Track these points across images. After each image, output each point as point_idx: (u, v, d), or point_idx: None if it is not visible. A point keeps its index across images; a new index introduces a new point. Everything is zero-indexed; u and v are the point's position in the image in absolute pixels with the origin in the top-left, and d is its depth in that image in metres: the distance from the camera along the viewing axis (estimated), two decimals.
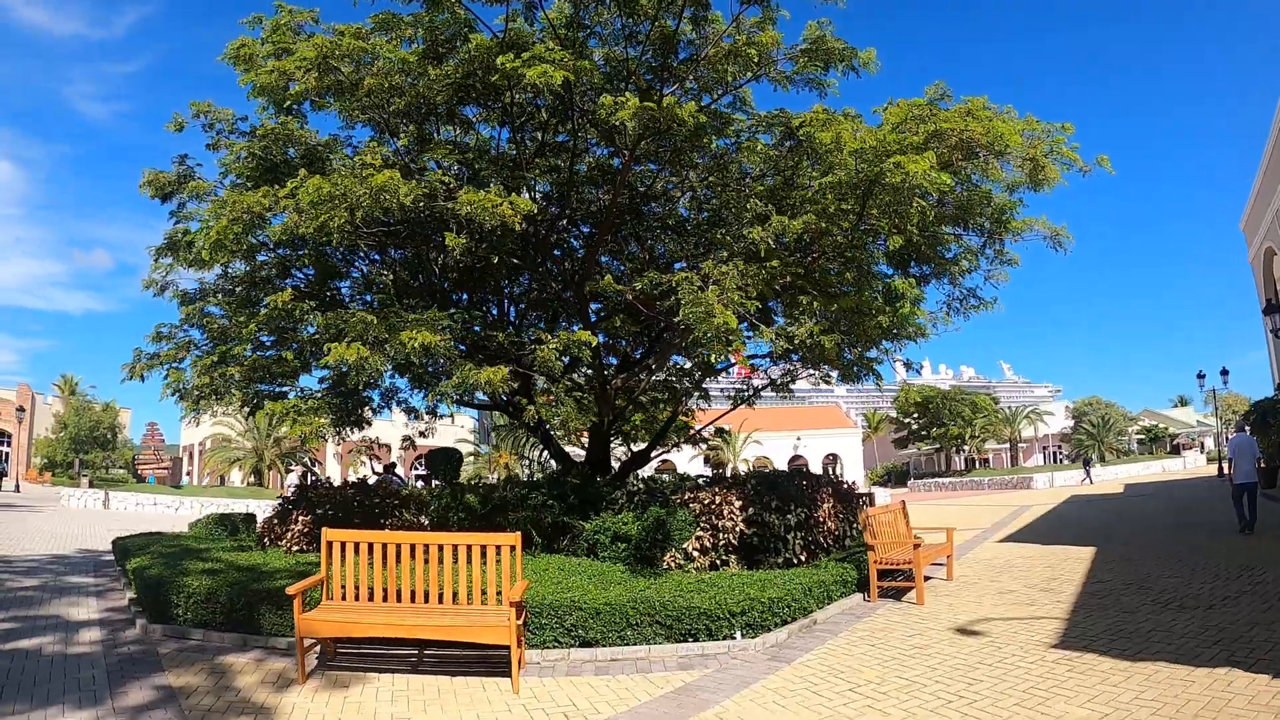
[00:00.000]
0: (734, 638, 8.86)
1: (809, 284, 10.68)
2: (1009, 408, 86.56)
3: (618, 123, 9.98)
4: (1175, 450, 79.08)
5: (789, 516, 12.04)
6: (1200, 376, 51.45)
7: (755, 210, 11.31)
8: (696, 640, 8.76)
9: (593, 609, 8.67)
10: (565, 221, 15.48)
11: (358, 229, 11.11)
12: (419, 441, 19.44)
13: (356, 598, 8.28)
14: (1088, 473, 57.67)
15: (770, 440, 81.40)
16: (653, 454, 17.47)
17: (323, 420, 12.64)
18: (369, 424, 17.81)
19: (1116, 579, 12.21)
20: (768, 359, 15.18)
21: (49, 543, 20.51)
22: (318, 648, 8.45)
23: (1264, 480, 27.16)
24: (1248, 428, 27.13)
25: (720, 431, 19.90)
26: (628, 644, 8.63)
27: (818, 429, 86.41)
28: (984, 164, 11.08)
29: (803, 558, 12.13)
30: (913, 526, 13.81)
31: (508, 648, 7.49)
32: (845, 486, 15.80)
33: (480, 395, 13.59)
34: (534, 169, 13.49)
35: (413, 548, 8.38)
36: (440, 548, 8.33)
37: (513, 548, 8.18)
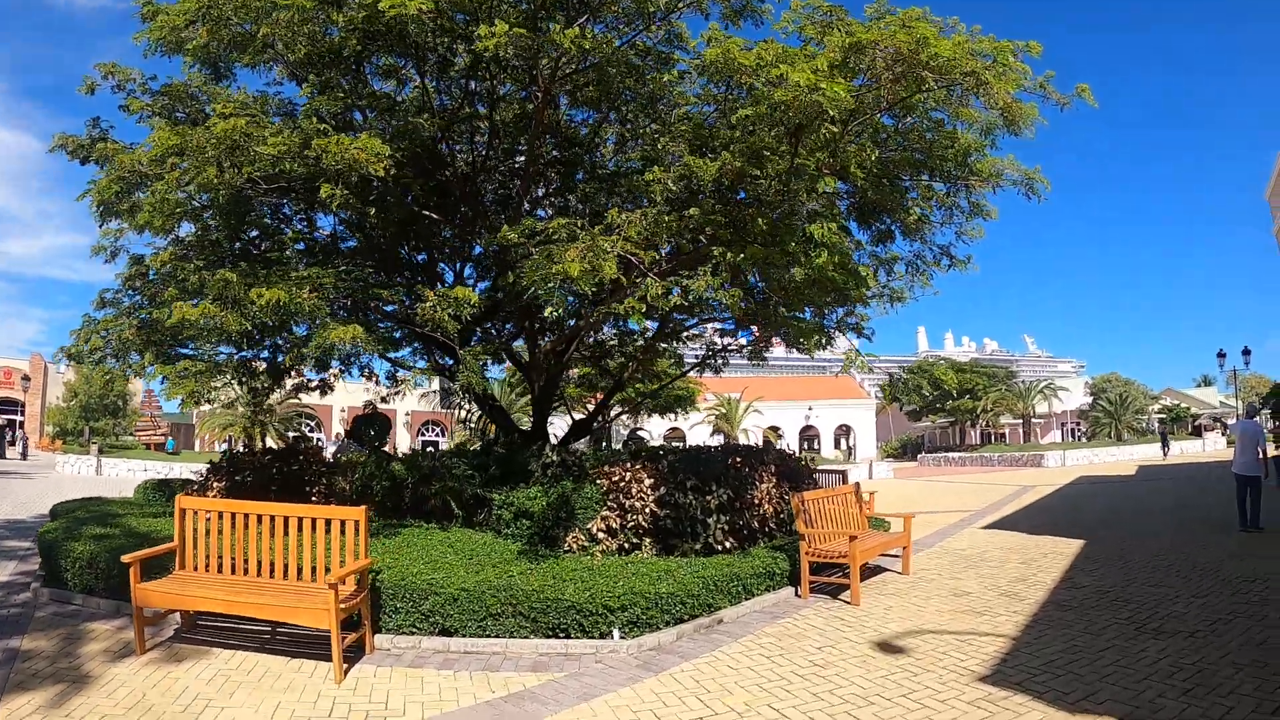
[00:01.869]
0: (612, 636, 7.81)
1: (733, 234, 9.35)
2: (1023, 382, 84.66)
3: (489, 51, 9.09)
4: (1197, 431, 77.18)
5: (709, 498, 10.76)
6: (1220, 355, 49.75)
7: (668, 150, 10.07)
8: (568, 636, 7.82)
9: (450, 595, 7.92)
10: (501, 173, 14.53)
11: (256, 184, 10.50)
12: (381, 406, 18.67)
13: (208, 569, 8.01)
14: (1166, 446, 55.86)
15: (782, 410, 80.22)
16: (595, 423, 16.36)
17: (208, 384, 11.62)
18: (329, 389, 16.91)
19: (1094, 585, 10.57)
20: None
21: (15, 508, 20.42)
22: (176, 618, 8.20)
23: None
24: (1269, 412, 25.28)
25: (680, 399, 18.84)
26: (489, 635, 7.83)
27: (830, 399, 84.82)
28: (954, 102, 9.74)
29: (727, 544, 10.84)
30: (892, 511, 12.57)
31: (329, 632, 6.94)
32: (802, 464, 14.53)
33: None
34: (457, 118, 12.79)
35: (260, 518, 7.99)
36: (286, 520, 7.93)
37: (357, 522, 7.66)
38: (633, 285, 8.86)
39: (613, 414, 18.48)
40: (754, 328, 14.45)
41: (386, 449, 17.71)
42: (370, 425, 15.47)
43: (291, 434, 53.64)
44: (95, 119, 13.26)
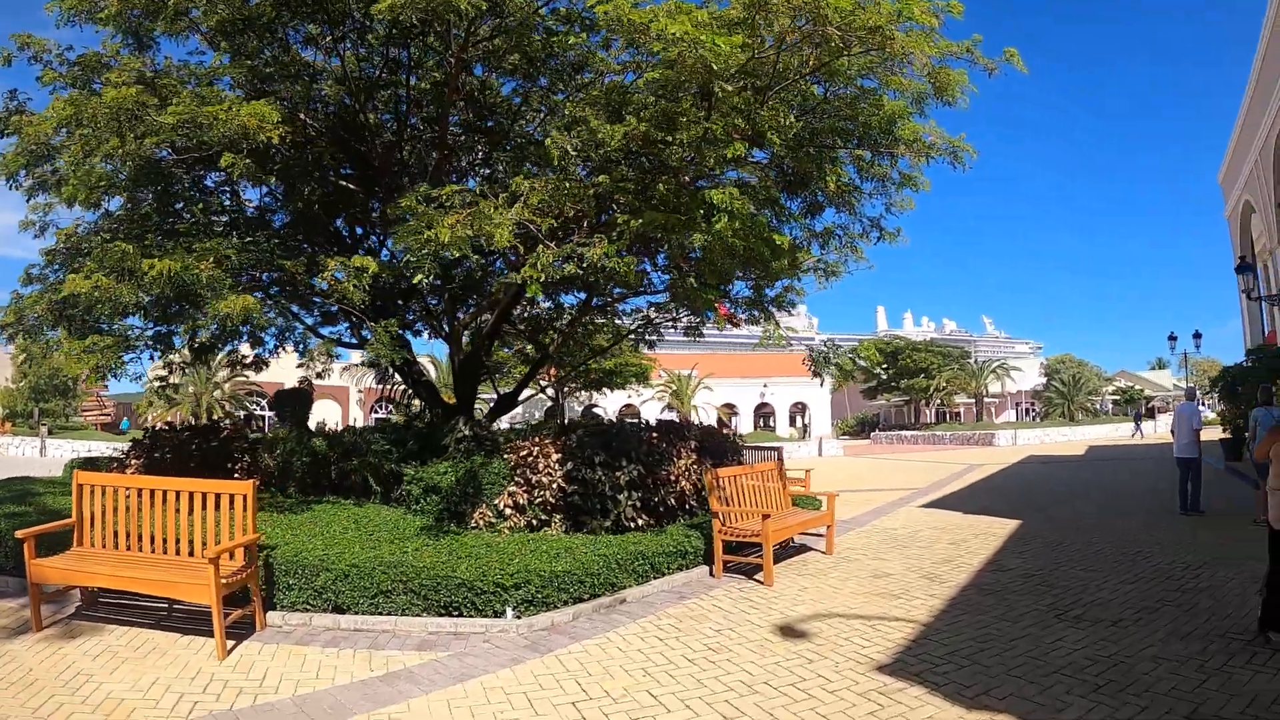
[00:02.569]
0: (505, 615, 7.60)
1: (640, 202, 9.05)
2: (977, 362, 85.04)
3: (383, 15, 8.98)
4: (1150, 413, 78.28)
5: (619, 474, 10.49)
6: (1172, 339, 50.01)
7: (574, 115, 9.78)
8: (461, 615, 7.62)
9: (340, 571, 7.77)
10: (423, 144, 14.19)
11: (170, 155, 10.45)
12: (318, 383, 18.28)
13: (104, 545, 8.00)
14: (1139, 427, 57.89)
15: (737, 388, 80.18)
16: (520, 397, 16.06)
17: (114, 358, 11.25)
18: (264, 365, 16.49)
19: (1021, 567, 10.29)
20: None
21: None
22: (77, 595, 8.24)
23: (1227, 452, 25.94)
24: (1217, 395, 25.46)
25: (609, 374, 18.61)
26: (381, 613, 7.67)
27: (786, 376, 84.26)
28: (882, 69, 9.46)
29: (640, 521, 10.61)
30: (833, 488, 12.32)
31: (209, 608, 6.93)
32: (729, 440, 14.28)
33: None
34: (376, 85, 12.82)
35: (154, 493, 7.97)
36: (178, 495, 7.90)
37: (245, 497, 7.67)
38: (530, 254, 8.55)
39: (550, 389, 18.19)
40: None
41: (327, 426, 17.35)
42: (289, 402, 15.09)
43: (241, 413, 53.08)
44: (12, 91, 12.77)
